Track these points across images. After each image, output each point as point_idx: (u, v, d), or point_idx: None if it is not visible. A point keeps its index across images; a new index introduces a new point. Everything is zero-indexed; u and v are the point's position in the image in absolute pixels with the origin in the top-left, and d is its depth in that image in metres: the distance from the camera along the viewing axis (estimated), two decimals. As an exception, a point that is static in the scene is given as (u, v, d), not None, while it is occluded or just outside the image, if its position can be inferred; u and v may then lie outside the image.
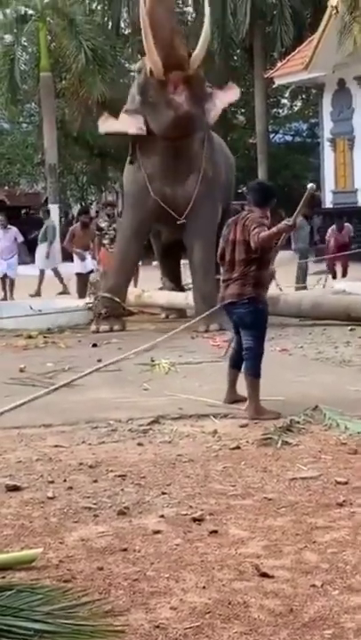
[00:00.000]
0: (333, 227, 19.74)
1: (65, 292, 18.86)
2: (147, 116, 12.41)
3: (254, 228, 6.99)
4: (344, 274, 19.04)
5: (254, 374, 7.12)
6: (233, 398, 7.41)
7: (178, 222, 12.74)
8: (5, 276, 18.97)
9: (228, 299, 7.29)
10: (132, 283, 14.41)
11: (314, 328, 11.91)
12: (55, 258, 20.78)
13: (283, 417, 6.74)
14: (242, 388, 7.30)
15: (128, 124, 12.63)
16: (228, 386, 7.47)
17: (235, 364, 7.47)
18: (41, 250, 20.34)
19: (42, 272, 19.98)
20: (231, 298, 7.25)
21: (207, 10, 13.08)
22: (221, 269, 7.62)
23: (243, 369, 7.30)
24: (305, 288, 16.81)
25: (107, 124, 13.30)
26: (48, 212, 23.58)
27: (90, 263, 16.32)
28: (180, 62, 11.97)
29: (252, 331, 7.20)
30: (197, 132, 12.53)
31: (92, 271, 16.08)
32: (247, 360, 7.21)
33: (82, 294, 15.66)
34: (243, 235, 7.12)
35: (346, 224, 19.70)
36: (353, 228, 20.60)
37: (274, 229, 7.07)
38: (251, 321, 7.19)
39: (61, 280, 19.51)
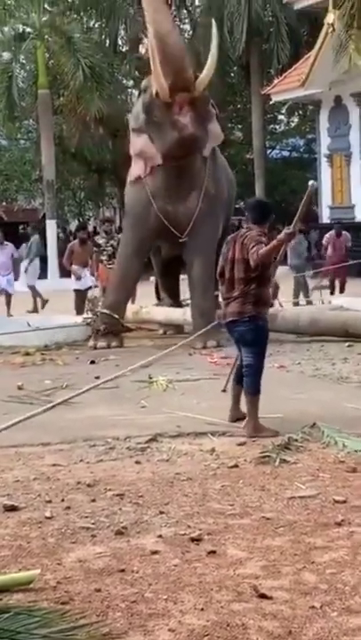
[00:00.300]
0: (332, 232, 19.64)
1: (35, 310, 19.09)
2: (151, 134, 12.46)
3: (253, 246, 7.01)
4: (342, 289, 19.00)
5: (254, 391, 7.13)
6: (236, 416, 7.37)
7: (180, 240, 12.78)
8: (2, 291, 19.01)
9: (230, 317, 7.31)
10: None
11: (311, 344, 11.90)
12: (35, 274, 20.88)
13: (281, 435, 6.73)
14: (244, 404, 7.29)
15: (150, 160, 12.63)
16: (232, 402, 7.47)
17: (240, 380, 7.46)
18: (25, 266, 20.45)
19: (31, 288, 20.11)
20: (232, 316, 7.27)
21: (215, 34, 13.09)
22: (220, 287, 7.63)
23: (243, 386, 7.30)
24: (310, 303, 16.75)
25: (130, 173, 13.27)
26: (36, 227, 23.63)
27: (88, 280, 16.32)
28: (186, 85, 11.99)
29: (252, 348, 7.22)
30: (202, 149, 12.58)
31: (90, 288, 16.07)
32: (247, 377, 7.21)
33: (80, 311, 15.63)
34: (242, 253, 7.14)
35: (344, 232, 19.62)
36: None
37: (274, 242, 7.09)
38: (251, 338, 7.21)
39: (37, 297, 19.68)
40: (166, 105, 12.01)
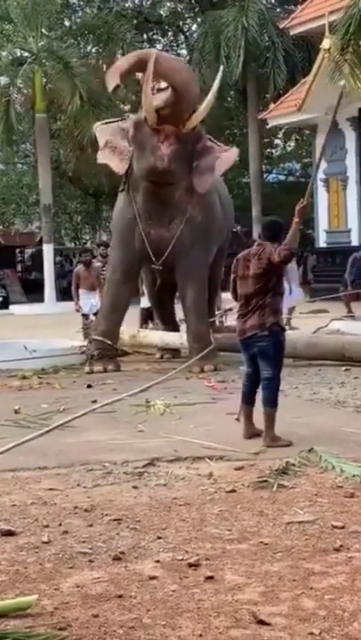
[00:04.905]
0: (355, 254, 19.48)
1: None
2: (133, 151, 12.43)
3: (275, 249, 7.34)
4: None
5: (274, 404, 7.43)
6: (252, 432, 7.58)
7: (153, 266, 12.73)
8: None
9: (250, 331, 7.49)
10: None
11: (309, 368, 11.90)
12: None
13: (278, 459, 6.72)
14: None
15: (115, 162, 12.66)
16: (245, 421, 7.64)
17: (249, 401, 7.69)
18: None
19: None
20: (253, 330, 7.47)
21: (216, 83, 13.20)
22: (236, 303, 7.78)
23: (262, 398, 7.53)
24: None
25: (101, 154, 13.01)
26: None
27: (97, 304, 16.16)
28: (176, 122, 11.95)
29: (273, 362, 7.50)
30: (179, 182, 12.38)
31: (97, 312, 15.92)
32: (267, 389, 7.48)
33: (86, 335, 15.57)
34: (260, 267, 7.38)
35: None
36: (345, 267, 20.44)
37: (294, 221, 7.51)
38: (274, 353, 7.50)
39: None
40: (154, 129, 11.98)
